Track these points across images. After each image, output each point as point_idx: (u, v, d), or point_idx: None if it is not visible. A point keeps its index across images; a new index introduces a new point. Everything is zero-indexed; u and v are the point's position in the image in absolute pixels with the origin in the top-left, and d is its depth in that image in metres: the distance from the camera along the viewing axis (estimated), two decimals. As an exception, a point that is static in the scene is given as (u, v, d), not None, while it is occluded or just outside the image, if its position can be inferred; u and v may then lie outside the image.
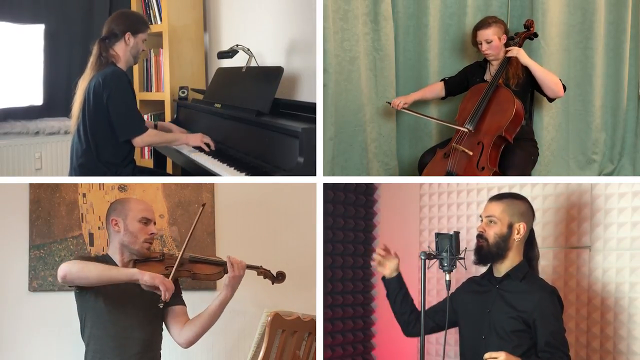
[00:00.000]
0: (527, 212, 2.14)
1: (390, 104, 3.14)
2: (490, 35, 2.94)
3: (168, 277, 2.23)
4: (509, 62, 2.93)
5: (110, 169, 2.89)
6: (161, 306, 2.22)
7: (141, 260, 2.37)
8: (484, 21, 2.99)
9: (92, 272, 2.16)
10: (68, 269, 2.15)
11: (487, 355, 1.92)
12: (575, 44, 3.46)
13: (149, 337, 2.35)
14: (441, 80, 3.22)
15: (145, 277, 2.16)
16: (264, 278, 2.50)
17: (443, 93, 3.21)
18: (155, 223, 2.42)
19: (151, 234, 2.37)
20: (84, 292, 2.27)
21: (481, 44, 2.97)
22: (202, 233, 3.02)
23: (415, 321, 2.28)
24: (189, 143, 3.15)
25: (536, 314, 2.02)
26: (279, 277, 2.51)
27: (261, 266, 2.50)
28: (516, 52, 2.88)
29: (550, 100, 3.01)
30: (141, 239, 2.35)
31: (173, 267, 2.30)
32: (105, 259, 2.36)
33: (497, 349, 1.94)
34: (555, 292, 2.09)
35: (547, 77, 2.88)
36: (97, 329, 2.28)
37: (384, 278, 2.29)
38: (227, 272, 2.35)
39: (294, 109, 3.19)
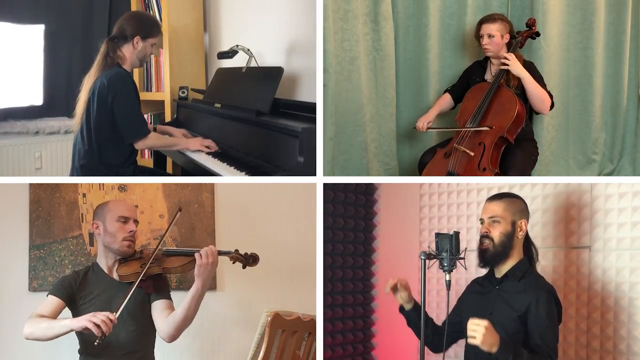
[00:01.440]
0: (525, 209, 2.18)
1: (415, 128, 3.08)
2: (494, 31, 2.92)
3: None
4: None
5: (112, 170, 2.88)
6: (96, 343, 2.09)
7: (124, 260, 2.38)
8: (490, 15, 2.98)
9: (38, 332, 2.18)
10: (25, 332, 2.19)
11: (470, 322, 1.87)
12: (575, 44, 3.46)
13: (137, 337, 2.34)
14: (445, 92, 3.21)
15: (74, 323, 2.13)
16: (234, 263, 2.39)
17: (453, 102, 3.20)
18: (136, 221, 2.42)
19: (130, 231, 2.38)
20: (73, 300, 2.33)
21: (483, 37, 2.96)
22: (202, 233, 3.02)
23: (438, 341, 2.24)
24: (189, 148, 3.14)
25: (529, 310, 2.02)
26: (251, 260, 2.40)
27: (236, 250, 2.40)
28: (509, 62, 2.86)
29: (535, 113, 2.99)
30: (120, 238, 2.36)
31: (147, 264, 2.29)
32: (93, 268, 2.41)
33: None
34: (553, 292, 2.07)
35: (537, 91, 2.84)
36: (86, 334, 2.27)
37: (402, 310, 2.24)
38: None
39: (294, 108, 3.19)
